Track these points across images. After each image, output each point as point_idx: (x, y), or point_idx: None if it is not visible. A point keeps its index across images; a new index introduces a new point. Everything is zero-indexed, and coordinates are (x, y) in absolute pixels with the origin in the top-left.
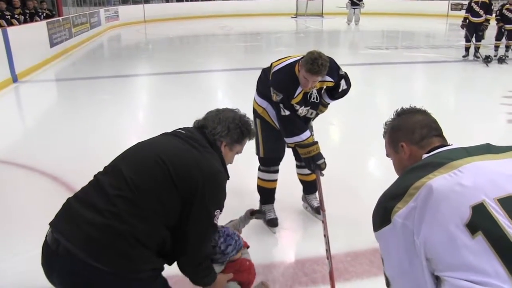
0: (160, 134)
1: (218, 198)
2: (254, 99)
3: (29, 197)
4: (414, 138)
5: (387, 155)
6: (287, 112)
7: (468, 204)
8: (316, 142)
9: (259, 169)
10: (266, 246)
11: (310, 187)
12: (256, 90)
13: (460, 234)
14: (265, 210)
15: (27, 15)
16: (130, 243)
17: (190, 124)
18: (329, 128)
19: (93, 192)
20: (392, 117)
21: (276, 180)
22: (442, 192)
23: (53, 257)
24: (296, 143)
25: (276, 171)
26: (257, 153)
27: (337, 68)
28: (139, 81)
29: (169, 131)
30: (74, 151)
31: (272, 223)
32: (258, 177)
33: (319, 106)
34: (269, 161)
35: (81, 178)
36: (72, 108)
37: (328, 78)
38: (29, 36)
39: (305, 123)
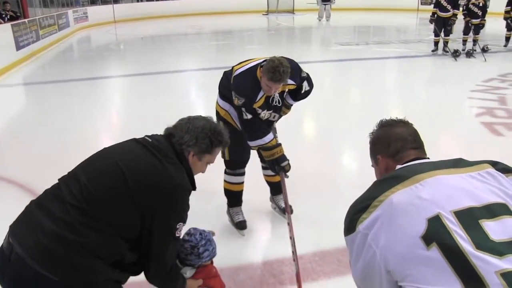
0: (127, 140)
1: (179, 212)
2: (217, 102)
3: None
4: (389, 152)
5: (372, 166)
6: (249, 116)
7: (424, 216)
8: (280, 144)
9: (226, 172)
10: (234, 248)
11: (277, 188)
12: (218, 92)
13: (416, 246)
14: (233, 213)
15: None
16: (80, 254)
17: (161, 126)
18: (299, 126)
19: (52, 198)
20: (375, 128)
21: (242, 183)
22: (401, 206)
23: (5, 262)
24: (259, 146)
25: (242, 174)
26: (222, 156)
27: (299, 70)
28: (110, 83)
29: (138, 137)
30: (43, 157)
31: (241, 225)
32: (225, 180)
33: (281, 109)
34: (234, 164)
35: (50, 185)
36: (41, 113)
37: (290, 82)
38: None
39: (268, 126)
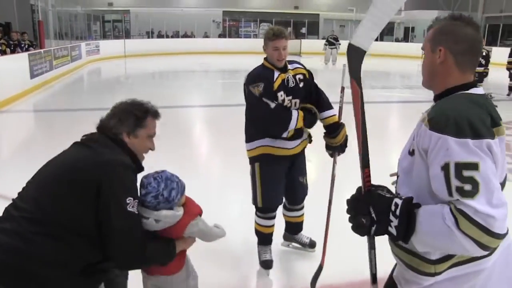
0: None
1: (124, 186)
2: (246, 149)
3: None
4: (455, 49)
5: (422, 48)
6: (275, 103)
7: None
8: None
9: (257, 215)
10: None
11: (298, 227)
12: (245, 139)
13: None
14: (261, 251)
15: (12, 46)
16: (41, 266)
17: (162, 155)
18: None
19: (5, 217)
20: (446, 17)
21: (273, 225)
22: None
23: None
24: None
25: (273, 217)
26: (254, 203)
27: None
28: None
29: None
30: None
31: (266, 265)
32: (256, 222)
33: (300, 94)
34: (266, 209)
35: None
36: (49, 139)
37: (297, 65)
38: (10, 67)
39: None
